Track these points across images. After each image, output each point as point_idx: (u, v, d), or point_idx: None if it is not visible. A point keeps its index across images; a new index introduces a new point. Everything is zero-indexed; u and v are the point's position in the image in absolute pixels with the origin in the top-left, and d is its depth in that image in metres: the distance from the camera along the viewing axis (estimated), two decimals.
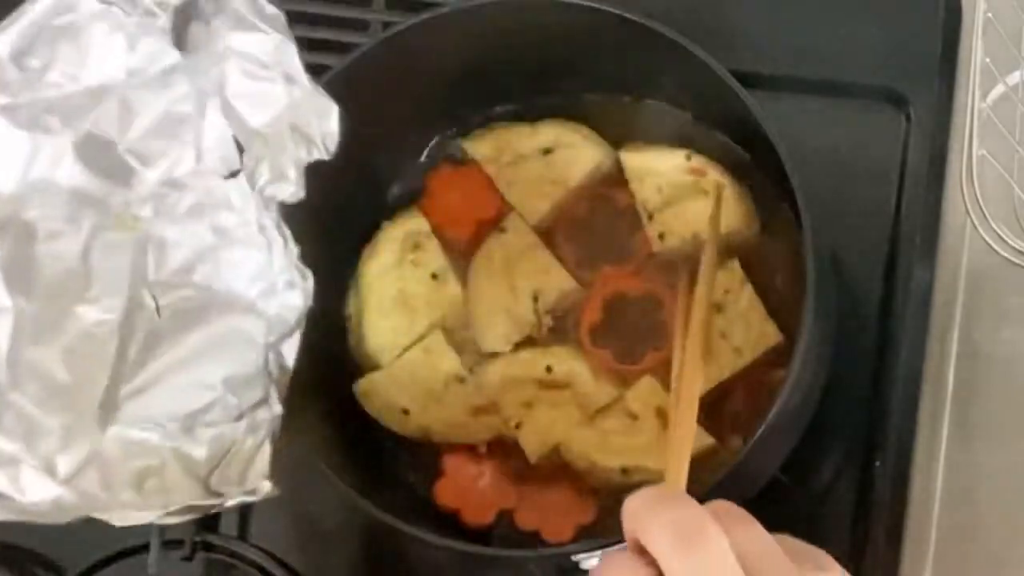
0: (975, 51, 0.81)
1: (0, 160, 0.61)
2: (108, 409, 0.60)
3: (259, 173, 0.62)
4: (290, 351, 0.61)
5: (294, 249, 0.62)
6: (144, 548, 0.83)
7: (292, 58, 0.62)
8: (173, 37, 0.62)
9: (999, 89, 0.81)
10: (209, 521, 0.86)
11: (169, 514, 0.59)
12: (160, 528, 0.83)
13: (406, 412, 0.82)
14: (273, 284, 0.62)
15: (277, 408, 0.61)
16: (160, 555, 0.83)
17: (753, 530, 0.57)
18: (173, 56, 0.62)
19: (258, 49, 0.62)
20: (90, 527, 0.86)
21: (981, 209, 0.79)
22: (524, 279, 0.83)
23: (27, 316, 0.59)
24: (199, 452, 0.61)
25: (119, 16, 0.61)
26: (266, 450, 0.60)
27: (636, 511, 0.57)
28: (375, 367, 0.82)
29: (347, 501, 0.76)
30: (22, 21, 0.61)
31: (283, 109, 0.62)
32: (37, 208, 0.61)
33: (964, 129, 0.80)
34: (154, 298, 0.62)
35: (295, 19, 0.72)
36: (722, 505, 0.58)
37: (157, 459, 0.60)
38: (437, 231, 0.84)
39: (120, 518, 0.59)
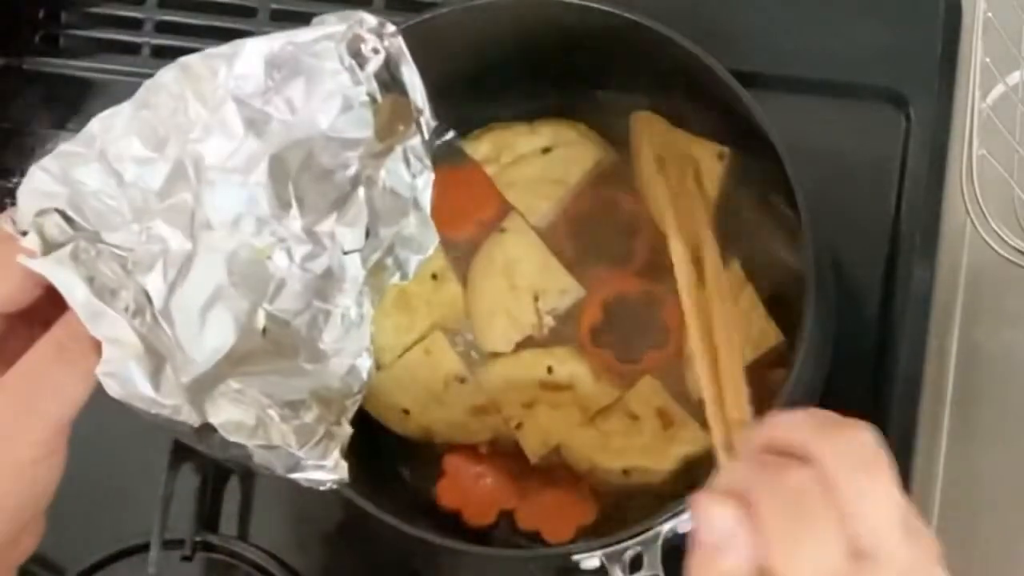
0: (975, 51, 0.81)
1: (216, 136, 0.68)
2: (220, 375, 0.67)
3: (369, 261, 0.71)
4: (352, 407, 0.70)
5: (371, 333, 0.71)
6: (144, 548, 0.83)
7: (427, 189, 0.72)
8: (375, 124, 0.70)
9: (999, 89, 0.81)
10: (209, 521, 0.86)
11: (260, 447, 0.66)
12: (160, 528, 0.83)
13: (407, 412, 0.82)
14: (352, 353, 0.71)
15: (347, 429, 0.69)
16: (160, 555, 0.83)
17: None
18: (363, 135, 0.70)
19: (410, 168, 0.71)
20: (90, 527, 0.86)
21: (981, 209, 0.79)
22: (525, 279, 0.83)
23: (190, 267, 0.67)
24: (287, 431, 0.67)
25: (347, 82, 0.69)
26: (336, 453, 0.68)
27: (806, 421, 0.55)
28: (377, 367, 0.82)
29: (347, 501, 0.76)
30: (286, 39, 0.69)
31: (399, 225, 0.71)
32: (219, 196, 0.68)
33: (964, 129, 0.80)
34: (265, 320, 0.69)
35: (294, 19, 0.73)
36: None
37: (253, 422, 0.66)
38: (437, 231, 0.84)
39: (225, 433, 0.66)
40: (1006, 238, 0.79)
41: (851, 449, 0.54)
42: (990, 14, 0.81)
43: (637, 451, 0.79)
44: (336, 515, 0.87)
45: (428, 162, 0.72)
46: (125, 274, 0.65)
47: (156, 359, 0.64)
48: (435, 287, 0.83)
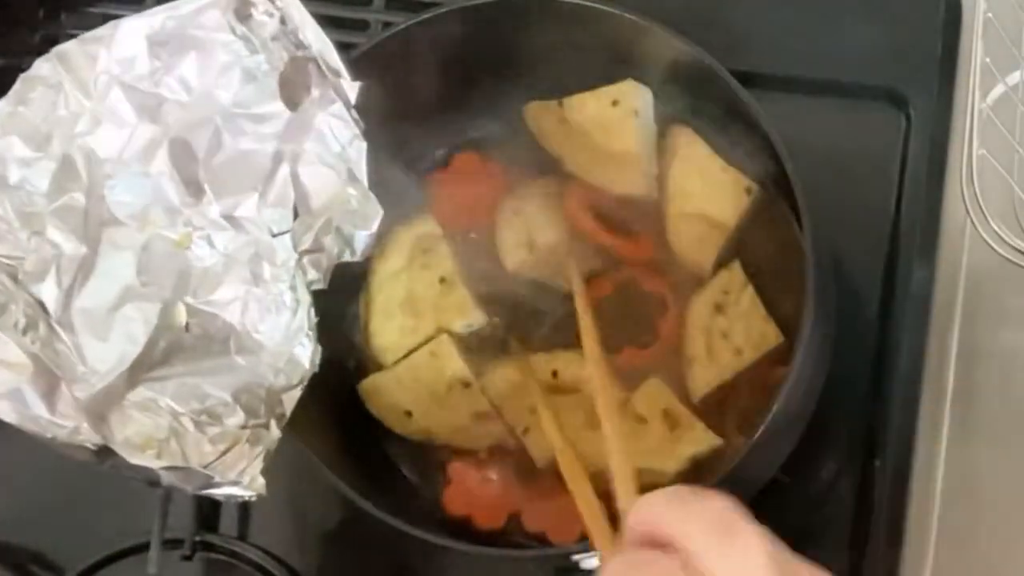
0: (975, 51, 0.81)
1: (105, 126, 0.65)
2: (131, 381, 0.64)
3: (302, 242, 0.67)
4: (289, 402, 0.67)
5: (313, 317, 0.68)
6: (144, 548, 0.83)
7: (361, 159, 0.68)
8: (281, 92, 0.67)
9: (999, 89, 0.81)
10: (209, 521, 0.86)
11: (166, 469, 0.63)
12: (160, 528, 0.83)
13: (409, 414, 0.82)
14: (290, 340, 0.67)
15: (276, 433, 0.66)
16: (160, 555, 0.83)
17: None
18: (274, 107, 0.67)
19: (336, 137, 0.68)
20: (90, 527, 0.86)
21: (981, 209, 0.79)
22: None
23: (90, 269, 0.64)
24: (203, 441, 0.64)
25: (242, 51, 0.66)
26: (260, 460, 0.65)
27: (664, 506, 0.56)
28: (380, 367, 0.82)
29: (347, 501, 0.76)
30: (167, 14, 0.66)
31: (336, 201, 0.68)
32: (120, 189, 0.65)
33: (964, 129, 0.80)
34: (187, 315, 0.66)
35: None
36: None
37: (164, 434, 0.64)
38: (444, 225, 0.84)
39: (127, 454, 0.63)
40: (1006, 238, 0.79)
41: (705, 523, 0.54)
42: (990, 14, 0.81)
43: (644, 453, 0.79)
44: (336, 515, 0.87)
45: (356, 128, 0.68)
46: (15, 286, 0.63)
47: (50, 378, 0.62)
48: (442, 291, 0.82)
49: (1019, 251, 0.79)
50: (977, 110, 0.80)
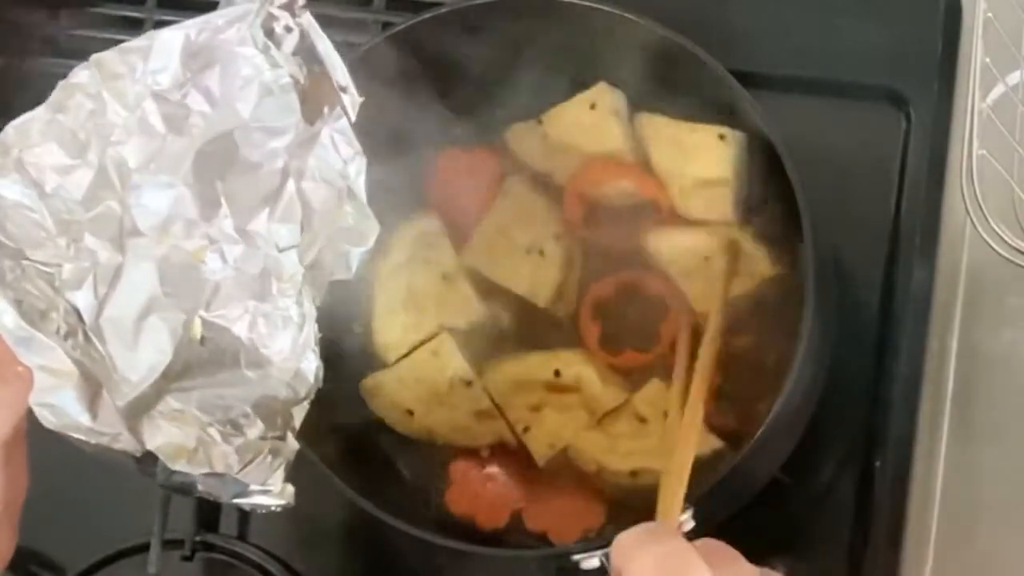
0: (975, 51, 0.80)
1: (137, 136, 0.65)
2: (160, 390, 0.65)
3: (306, 257, 0.68)
4: (299, 414, 0.67)
5: (317, 333, 0.68)
6: (144, 548, 0.83)
7: (360, 176, 0.68)
8: (302, 108, 0.67)
9: (999, 89, 0.81)
10: (209, 521, 0.86)
11: (206, 475, 0.64)
12: (160, 528, 0.83)
13: (410, 413, 0.82)
14: (296, 355, 0.68)
15: (293, 444, 0.66)
16: (160, 555, 0.83)
17: (740, 568, 0.59)
18: (286, 122, 0.67)
19: (339, 153, 0.68)
20: (90, 527, 0.86)
21: (981, 209, 0.79)
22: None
23: (118, 279, 0.65)
24: (229, 452, 0.65)
25: (263, 65, 0.67)
26: (281, 471, 0.66)
27: (625, 545, 0.60)
28: (382, 365, 0.82)
29: (347, 501, 0.76)
30: (201, 26, 0.66)
31: (333, 217, 0.68)
32: (144, 199, 0.65)
33: (964, 129, 0.80)
34: (202, 328, 0.66)
35: None
36: (711, 543, 0.60)
37: (193, 443, 0.64)
38: (449, 223, 0.84)
39: (168, 462, 0.64)
40: (1006, 238, 0.79)
41: (656, 564, 0.58)
42: (990, 14, 0.81)
43: (645, 453, 0.79)
44: (336, 515, 0.87)
45: (358, 145, 0.68)
46: (54, 292, 0.63)
47: (93, 385, 0.62)
48: (445, 287, 0.82)
49: (1019, 251, 0.79)
50: (977, 110, 0.80)
